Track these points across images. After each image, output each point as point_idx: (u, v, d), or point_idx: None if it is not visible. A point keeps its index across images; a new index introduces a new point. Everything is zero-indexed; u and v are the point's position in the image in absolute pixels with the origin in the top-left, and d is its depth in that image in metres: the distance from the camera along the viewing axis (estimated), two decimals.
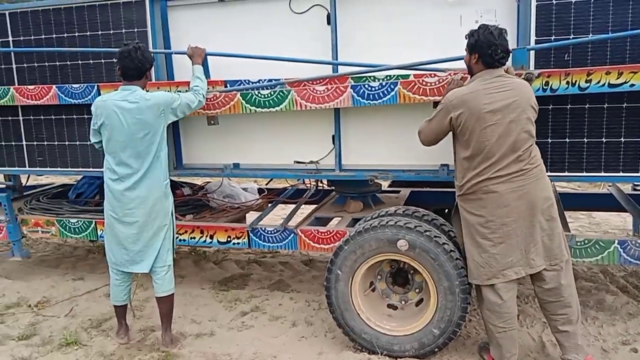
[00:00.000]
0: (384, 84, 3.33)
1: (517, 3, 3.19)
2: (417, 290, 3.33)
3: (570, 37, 3.09)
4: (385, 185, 4.90)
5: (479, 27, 2.88)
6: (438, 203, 4.84)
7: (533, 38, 3.15)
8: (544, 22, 3.12)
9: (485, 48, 2.81)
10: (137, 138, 3.24)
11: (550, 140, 3.23)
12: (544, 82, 3.05)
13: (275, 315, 3.95)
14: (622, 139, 3.12)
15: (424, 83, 3.24)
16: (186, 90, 3.56)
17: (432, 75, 3.26)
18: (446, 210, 5.10)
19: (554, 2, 3.09)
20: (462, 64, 3.20)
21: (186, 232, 4.04)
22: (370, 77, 3.41)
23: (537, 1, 3.11)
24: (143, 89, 3.33)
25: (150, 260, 3.39)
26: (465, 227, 2.98)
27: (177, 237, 3.86)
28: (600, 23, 3.04)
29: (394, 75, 3.37)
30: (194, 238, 4.04)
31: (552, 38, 3.12)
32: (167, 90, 3.67)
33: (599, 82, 2.99)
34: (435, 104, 3.31)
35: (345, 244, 3.26)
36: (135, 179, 3.28)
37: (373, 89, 3.35)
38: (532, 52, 3.15)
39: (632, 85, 2.95)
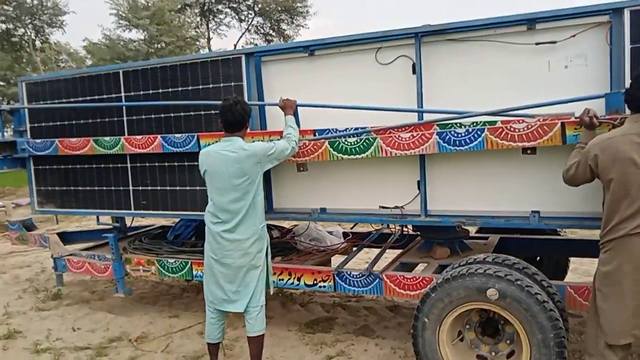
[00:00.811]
0: (470, 130, 3.34)
1: (609, 47, 3.13)
2: (508, 342, 3.22)
3: None
4: (472, 231, 4.82)
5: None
6: (529, 251, 4.69)
7: (628, 81, 3.05)
8: (639, 64, 3.03)
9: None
10: (235, 185, 3.45)
11: None
12: None
13: None
14: None
15: (511, 129, 3.21)
16: (279, 139, 3.76)
17: (520, 121, 3.23)
18: (538, 258, 4.93)
19: None
20: (549, 110, 3.17)
21: (275, 273, 4.17)
22: (456, 124, 3.44)
23: (631, 44, 3.03)
24: (242, 139, 3.56)
25: (245, 301, 3.53)
26: None
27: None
28: None
29: (480, 122, 3.38)
30: (282, 280, 4.17)
31: None
32: (260, 139, 3.90)
33: None
34: (525, 150, 3.28)
35: (433, 292, 3.24)
36: (234, 223, 3.47)
37: (459, 135, 3.37)
38: None
39: None
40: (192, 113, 4.34)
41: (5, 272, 7.21)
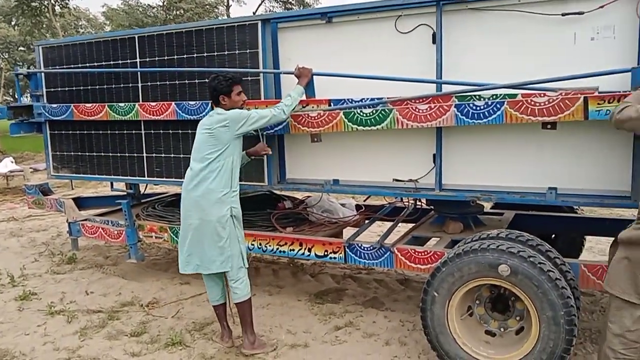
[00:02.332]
0: (489, 103, 3.25)
1: (639, 19, 3.00)
2: (517, 318, 3.19)
3: None
4: (487, 207, 4.75)
5: None
6: (544, 228, 4.62)
7: None
8: None
9: None
10: (202, 146, 3.56)
11: None
12: None
13: (368, 332, 3.95)
14: None
15: (532, 103, 3.12)
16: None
17: (542, 95, 3.14)
18: (553, 236, 4.86)
19: None
20: (574, 84, 3.07)
21: (286, 244, 4.17)
22: (475, 96, 3.35)
23: None
24: (229, 109, 3.60)
25: (217, 263, 3.57)
26: None
27: (276, 249, 4.02)
28: None
29: (500, 95, 3.29)
30: (293, 250, 4.16)
31: None
32: None
33: None
34: (545, 124, 3.19)
35: (443, 266, 3.20)
36: (195, 182, 3.56)
37: (478, 108, 3.29)
38: None
39: None
40: (206, 80, 4.28)
41: (22, 235, 7.34)
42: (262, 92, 4.04)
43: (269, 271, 5.41)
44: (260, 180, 4.20)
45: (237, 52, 4.10)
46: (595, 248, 5.86)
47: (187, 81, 4.36)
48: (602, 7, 3.07)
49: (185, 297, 4.77)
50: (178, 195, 5.81)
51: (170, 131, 4.54)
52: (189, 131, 4.42)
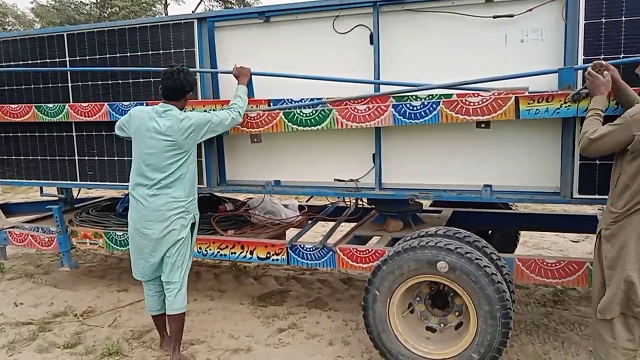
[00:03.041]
0: (426, 103, 3.31)
1: (564, 22, 3.13)
2: (456, 314, 3.26)
3: (621, 56, 3.00)
4: (426, 204, 4.85)
5: None
6: (481, 224, 4.76)
7: (581, 57, 3.07)
8: (592, 40, 3.04)
9: None
10: (163, 153, 3.32)
11: (597, 162, 3.13)
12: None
13: (312, 333, 3.94)
14: None
15: (467, 103, 3.20)
16: (222, 108, 3.65)
17: (476, 95, 3.22)
18: (489, 232, 5.02)
19: (604, 20, 3.01)
20: (505, 84, 3.17)
21: (227, 247, 4.09)
22: (412, 96, 3.40)
23: (585, 20, 3.04)
24: (180, 109, 3.42)
25: (167, 273, 3.44)
26: None
27: (215, 252, 3.94)
28: None
29: (436, 95, 3.35)
30: (235, 253, 4.09)
31: (602, 57, 3.03)
32: (212, 108, 3.77)
33: None
34: (479, 124, 3.28)
35: (384, 264, 3.23)
36: (156, 192, 3.35)
37: (415, 108, 3.34)
38: (580, 72, 3.06)
39: None
40: (141, 80, 4.15)
41: None
42: (200, 92, 3.94)
43: (210, 275, 5.30)
44: (199, 183, 4.09)
45: (172, 51, 3.99)
46: (529, 242, 6.10)
47: (120, 81, 4.20)
48: (530, 10, 3.18)
49: (123, 305, 4.60)
50: (114, 200, 5.62)
51: (104, 133, 4.36)
52: None
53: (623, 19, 2.98)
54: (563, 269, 3.31)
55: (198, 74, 3.91)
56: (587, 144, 2.64)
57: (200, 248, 4.17)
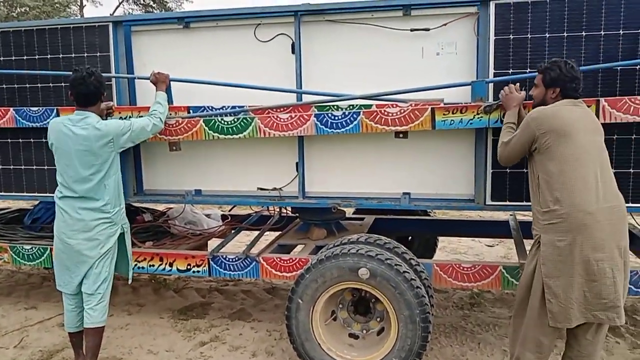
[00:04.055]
0: (346, 113, 3.36)
1: (476, 37, 3.29)
2: (378, 319, 3.31)
3: (527, 71, 3.19)
4: (349, 212, 4.91)
5: (554, 62, 2.79)
6: (401, 231, 4.89)
7: (492, 71, 3.24)
8: (502, 55, 3.22)
9: (569, 83, 2.74)
10: (83, 165, 3.18)
11: (508, 171, 3.30)
12: (502, 114, 3.12)
13: (235, 345, 3.86)
14: None
15: (385, 113, 3.28)
16: (140, 116, 3.53)
17: (394, 106, 3.31)
18: (409, 238, 5.17)
19: (512, 37, 3.19)
20: (423, 95, 3.28)
21: (145, 259, 3.94)
22: (333, 106, 3.44)
23: (495, 36, 3.21)
24: (97, 114, 3.27)
25: (90, 285, 3.28)
26: None
27: (134, 265, 3.78)
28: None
29: (356, 105, 3.41)
30: (153, 266, 3.94)
31: (510, 71, 3.21)
32: (129, 115, 3.63)
33: None
34: (397, 134, 3.37)
35: (307, 272, 3.23)
36: (80, 203, 3.21)
37: (336, 117, 3.38)
38: (491, 85, 3.23)
39: None
40: (51, 85, 3.92)
41: None
42: (115, 98, 3.78)
43: (127, 289, 5.06)
44: None
45: (85, 55, 3.80)
46: (448, 247, 6.33)
47: (28, 85, 3.95)
48: (445, 25, 3.32)
49: (31, 324, 4.29)
50: (22, 211, 5.25)
51: (9, 140, 4.08)
52: (31, 140, 4.00)
53: (529, 35, 3.17)
54: (478, 273, 3.45)
55: (113, 79, 3.75)
56: (501, 152, 2.92)
57: None
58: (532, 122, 2.73)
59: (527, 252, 2.94)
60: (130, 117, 3.60)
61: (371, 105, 3.38)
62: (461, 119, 3.20)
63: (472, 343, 3.82)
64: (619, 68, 3.07)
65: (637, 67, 3.06)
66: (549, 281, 2.64)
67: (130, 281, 3.56)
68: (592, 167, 2.64)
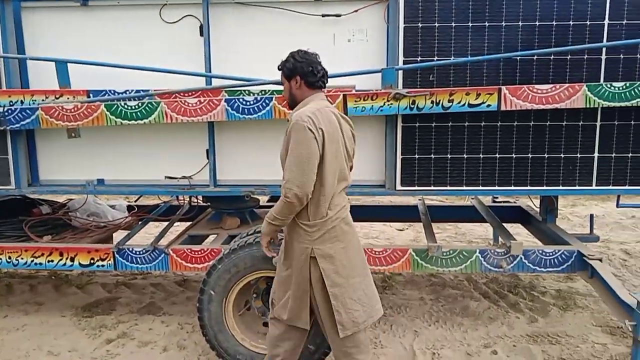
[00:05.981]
0: (259, 98, 3.28)
1: (386, 24, 3.32)
2: None
3: (435, 58, 3.27)
4: (264, 200, 4.84)
5: (288, 54, 2.68)
6: None
7: (401, 59, 3.29)
8: (411, 43, 3.28)
9: (306, 67, 2.60)
10: None
11: (417, 157, 3.38)
12: (410, 101, 3.19)
13: (144, 340, 3.70)
14: (481, 155, 3.36)
15: None
16: (43, 99, 3.26)
17: None
18: None
19: (420, 25, 3.26)
20: (334, 82, 3.27)
21: (43, 254, 3.66)
22: (245, 91, 3.35)
23: (404, 23, 3.25)
24: None
25: None
26: None
27: (29, 261, 3.51)
28: (461, 47, 3.25)
29: (269, 90, 3.34)
30: (52, 261, 3.67)
31: (419, 59, 3.28)
32: (20, 99, 3.34)
33: (460, 102, 3.19)
34: None
35: (219, 263, 3.14)
36: None
37: (248, 103, 3.29)
38: (400, 72, 3.28)
39: (489, 105, 3.18)
40: None
41: None
42: (4, 81, 3.45)
43: (25, 287, 4.70)
44: (5, 183, 3.61)
45: None
46: (361, 232, 6.44)
47: None
48: (356, 11, 3.33)
49: None
50: None
51: None
52: None
53: (436, 24, 3.25)
54: (389, 257, 3.52)
55: (1, 60, 3.42)
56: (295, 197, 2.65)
57: (10, 258, 3.67)
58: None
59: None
60: (22, 101, 3.30)
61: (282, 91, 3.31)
62: (372, 105, 3.23)
63: (385, 325, 3.91)
64: (518, 58, 3.23)
65: (534, 58, 3.24)
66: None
67: None
68: None
